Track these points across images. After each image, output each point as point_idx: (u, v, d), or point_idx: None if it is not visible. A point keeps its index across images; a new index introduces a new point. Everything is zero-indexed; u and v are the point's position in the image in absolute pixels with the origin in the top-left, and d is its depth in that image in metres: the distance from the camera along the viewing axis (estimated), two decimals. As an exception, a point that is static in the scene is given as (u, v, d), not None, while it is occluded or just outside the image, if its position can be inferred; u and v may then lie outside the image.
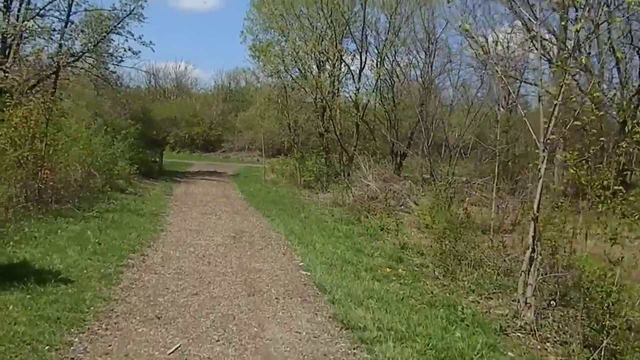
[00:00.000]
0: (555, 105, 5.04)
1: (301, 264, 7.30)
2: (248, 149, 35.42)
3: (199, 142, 36.24)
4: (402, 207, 14.80)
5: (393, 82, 20.81)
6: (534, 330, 5.05)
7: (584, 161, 5.21)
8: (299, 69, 19.69)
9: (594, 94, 5.66)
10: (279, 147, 30.30)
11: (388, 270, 7.33)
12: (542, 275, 5.56)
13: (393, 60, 20.57)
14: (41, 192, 9.78)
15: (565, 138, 5.48)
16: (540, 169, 5.29)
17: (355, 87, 18.63)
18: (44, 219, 8.63)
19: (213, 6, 71.97)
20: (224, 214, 11.85)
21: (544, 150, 5.22)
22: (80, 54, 19.19)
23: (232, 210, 12.75)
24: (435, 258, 8.05)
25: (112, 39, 19.94)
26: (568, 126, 5.27)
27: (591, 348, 4.64)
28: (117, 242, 7.63)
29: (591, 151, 5.25)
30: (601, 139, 5.99)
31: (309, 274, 6.75)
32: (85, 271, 5.93)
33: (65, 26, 18.55)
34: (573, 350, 4.64)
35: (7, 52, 17.59)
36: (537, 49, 6.02)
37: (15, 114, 8.99)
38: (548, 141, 5.15)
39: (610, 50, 14.66)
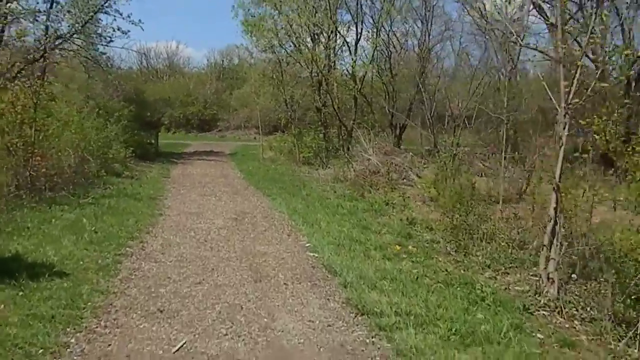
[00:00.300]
0: (578, 67, 4.64)
1: (307, 244, 6.98)
2: (244, 127, 34.86)
3: (194, 122, 35.66)
4: (405, 180, 14.47)
5: (390, 53, 20.29)
6: (560, 308, 4.74)
7: (608, 127, 4.82)
8: (293, 43, 19.11)
9: (624, 53, 5.23)
10: (275, 124, 29.81)
11: (398, 247, 7.01)
12: (564, 248, 5.24)
13: (389, 30, 20.02)
14: (33, 180, 9.39)
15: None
16: (561, 135, 4.92)
17: (352, 59, 18.11)
18: (37, 207, 8.26)
19: (202, -17, 70.40)
20: (224, 195, 11.49)
21: (565, 116, 4.84)
22: (68, 35, 18.56)
23: (232, 190, 12.38)
24: (445, 233, 7.74)
25: (100, 19, 19.32)
26: (590, 89, 4.87)
27: (623, 325, 4.33)
28: (114, 229, 7.28)
29: (617, 116, 4.86)
30: (626, 102, 5.60)
31: (316, 255, 6.43)
32: (81, 262, 5.59)
33: (51, 7, 17.90)
34: (604, 328, 4.33)
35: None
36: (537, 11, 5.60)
37: (1, 99, 8.52)
38: (570, 106, 4.77)
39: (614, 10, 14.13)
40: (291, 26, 18.26)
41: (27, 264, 5.38)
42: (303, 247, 6.86)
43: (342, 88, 19.70)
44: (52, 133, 10.60)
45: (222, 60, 40.30)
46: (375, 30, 19.13)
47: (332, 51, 18.31)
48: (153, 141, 21.45)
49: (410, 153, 16.04)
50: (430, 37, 20.07)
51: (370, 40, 19.07)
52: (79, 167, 11.54)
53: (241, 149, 25.73)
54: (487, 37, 19.41)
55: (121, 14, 18.37)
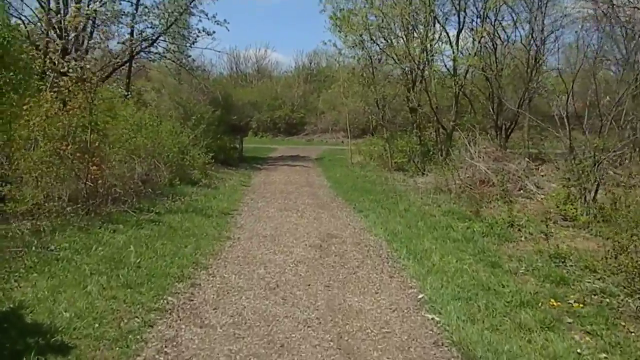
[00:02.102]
0: None
1: (421, 296, 4.74)
2: (331, 130, 33.01)
3: (281, 125, 34.33)
4: (521, 191, 11.80)
5: (495, 46, 17.42)
6: None
7: None
8: (385, 38, 16.86)
9: None
10: (364, 127, 27.69)
11: (555, 303, 4.62)
12: None
13: (495, 20, 17.17)
14: (90, 193, 7.91)
15: None
16: None
17: (453, 53, 15.52)
18: (85, 227, 6.69)
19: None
20: (307, 209, 9.52)
21: None
22: (153, 37, 17.57)
23: (317, 202, 10.39)
24: (621, 278, 5.20)
25: (185, 20, 18.26)
26: None
27: None
28: (164, 261, 5.48)
29: None
30: None
31: (437, 319, 4.20)
32: (97, 325, 3.76)
33: (136, 9, 16.85)
34: None
35: (80, 41, 16.24)
36: None
37: (45, 98, 7.07)
38: None
39: None
40: (383, 19, 16.04)
41: (22, 327, 3.65)
42: (414, 301, 4.64)
43: (439, 86, 17.17)
44: (117, 138, 9.17)
45: (310, 63, 38.82)
46: (479, 19, 16.44)
47: (429, 44, 15.81)
48: (237, 146, 20.06)
49: (526, 158, 13.26)
50: (544, 26, 16.97)
51: (475, 30, 16.38)
52: (149, 176, 10.09)
53: (328, 154, 23.84)
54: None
55: (206, 15, 17.12)
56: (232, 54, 40.70)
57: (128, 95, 14.61)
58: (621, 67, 23.09)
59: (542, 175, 13.54)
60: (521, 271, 5.69)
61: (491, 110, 18.01)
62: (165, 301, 4.37)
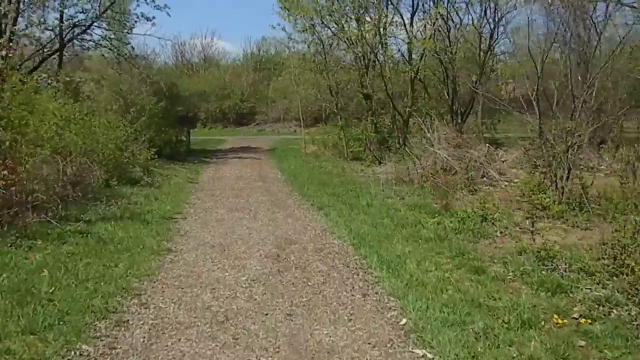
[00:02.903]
0: None
1: (404, 321, 3.85)
2: (283, 119, 31.80)
3: (230, 116, 32.80)
4: (484, 179, 11.20)
5: (449, 28, 16.77)
6: None
7: None
8: (335, 23, 15.86)
9: None
10: (316, 116, 26.77)
11: (559, 320, 3.84)
12: None
13: (447, 2, 16.51)
14: (4, 202, 6.62)
15: None
16: None
17: (408, 36, 14.72)
18: (-9, 246, 5.45)
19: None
20: (261, 208, 8.50)
21: None
22: (87, 23, 15.93)
23: (271, 200, 9.39)
24: (623, 281, 4.50)
25: (122, 5, 16.70)
26: None
27: None
28: (85, 289, 4.36)
29: None
30: None
31: (430, 355, 3.31)
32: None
33: (65, -8, 15.12)
34: None
35: (2, 28, 14.44)
36: None
37: None
38: None
39: None
40: (334, 1, 15.05)
41: None
42: (397, 329, 3.74)
43: (393, 71, 16.40)
44: (37, 135, 7.84)
45: (259, 50, 37.27)
46: (432, 1, 15.72)
47: (382, 27, 14.96)
48: (184, 138, 18.66)
49: (487, 144, 12.68)
50: (497, 7, 16.47)
51: (428, 13, 15.68)
52: (79, 178, 8.78)
53: (280, 144, 22.76)
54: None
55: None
56: (176, 43, 38.72)
57: (50, 85, 13.06)
58: (569, 48, 23.07)
59: (503, 161, 13.04)
60: (509, 277, 4.91)
61: (446, 94, 17.45)
62: (77, 353, 3.29)
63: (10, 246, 5.57)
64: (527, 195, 8.87)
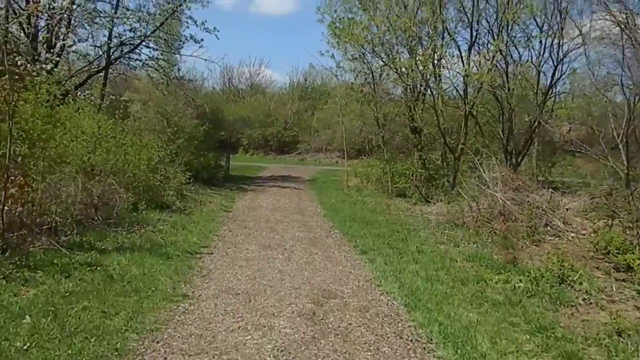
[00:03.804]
0: None
1: None
2: (325, 150, 30.94)
3: (273, 143, 32.21)
4: (548, 228, 9.83)
5: (507, 63, 15.61)
6: None
7: None
8: (386, 53, 14.93)
9: None
10: (359, 148, 25.73)
11: None
12: None
13: (507, 37, 15.37)
14: (11, 223, 5.83)
15: None
16: None
17: (464, 68, 13.61)
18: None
19: (289, 9, 68.50)
20: (297, 247, 7.45)
21: None
22: (135, 41, 15.59)
23: (309, 237, 8.33)
24: None
25: (172, 26, 16.32)
26: None
27: None
28: (69, 347, 3.40)
29: None
30: None
31: None
32: None
33: (115, 11, 14.85)
34: None
35: (51, 43, 14.21)
36: None
37: None
38: None
39: None
40: (388, 29, 14.17)
41: None
42: None
43: (445, 106, 15.29)
44: (59, 151, 7.11)
45: (305, 80, 36.86)
46: (490, 35, 14.63)
47: (437, 58, 13.92)
48: (223, 163, 17.95)
49: (550, 189, 11.30)
50: (562, 45, 15.24)
51: (486, 46, 14.60)
52: (103, 200, 8.00)
53: (321, 175, 21.81)
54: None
55: (194, 21, 15.19)
56: (225, 69, 38.84)
57: (92, 102, 12.62)
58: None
59: (567, 209, 11.61)
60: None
61: (500, 133, 16.19)
62: None
63: (3, 278, 4.70)
64: (605, 252, 7.55)
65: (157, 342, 3.70)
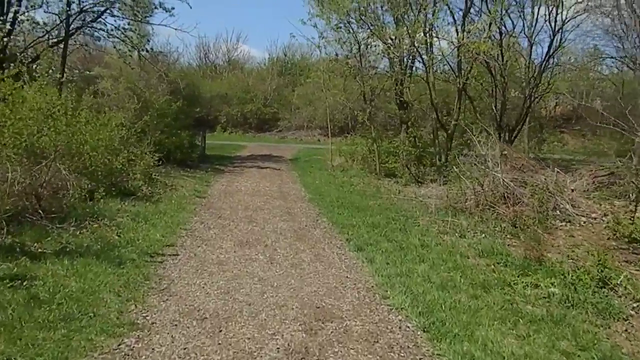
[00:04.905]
0: None
1: None
2: (307, 127, 29.46)
3: (252, 120, 30.56)
4: (557, 213, 8.76)
5: (502, 34, 14.36)
6: None
7: None
8: (371, 24, 13.53)
9: None
10: (342, 125, 24.43)
11: None
12: None
13: (501, 6, 14.10)
14: None
15: None
16: None
17: (459, 36, 12.29)
18: None
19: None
20: (281, 243, 6.21)
21: None
22: (96, 9, 13.93)
23: (294, 229, 7.08)
24: None
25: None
26: None
27: None
28: None
29: None
30: None
31: None
32: None
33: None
34: None
35: (4, 10, 12.52)
36: None
37: None
38: None
39: None
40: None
41: None
42: None
43: (437, 80, 14.03)
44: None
45: (285, 55, 35.07)
46: (485, 3, 13.33)
47: (429, 25, 12.53)
48: (199, 142, 16.47)
49: (556, 168, 10.20)
50: (560, 13, 14.06)
51: (479, 15, 13.33)
52: (48, 188, 6.60)
53: (304, 154, 20.47)
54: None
55: (164, -13, 13.58)
56: (201, 44, 36.80)
57: (50, 76, 11.07)
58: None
59: (572, 190, 10.57)
60: None
61: (494, 108, 15.03)
62: None
63: None
64: (628, 241, 6.54)
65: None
